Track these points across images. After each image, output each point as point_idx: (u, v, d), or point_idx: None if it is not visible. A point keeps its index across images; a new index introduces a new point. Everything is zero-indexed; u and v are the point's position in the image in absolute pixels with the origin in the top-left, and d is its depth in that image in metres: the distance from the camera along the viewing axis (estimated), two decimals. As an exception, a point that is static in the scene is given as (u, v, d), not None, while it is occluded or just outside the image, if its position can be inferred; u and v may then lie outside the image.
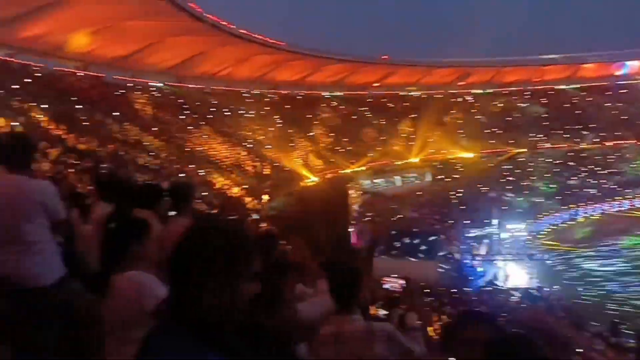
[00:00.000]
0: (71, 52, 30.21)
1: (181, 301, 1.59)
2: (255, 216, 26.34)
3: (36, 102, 27.03)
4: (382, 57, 51.57)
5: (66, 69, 32.36)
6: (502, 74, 58.04)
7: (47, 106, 27.27)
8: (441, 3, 76.47)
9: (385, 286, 18.89)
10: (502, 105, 58.00)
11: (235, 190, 33.36)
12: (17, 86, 27.08)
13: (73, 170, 18.02)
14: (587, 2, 73.82)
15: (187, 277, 1.59)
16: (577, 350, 13.54)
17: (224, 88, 43.88)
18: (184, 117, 38.94)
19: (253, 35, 38.64)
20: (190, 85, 41.06)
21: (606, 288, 25.24)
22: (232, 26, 36.43)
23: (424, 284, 22.28)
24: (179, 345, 1.53)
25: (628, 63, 57.87)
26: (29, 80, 28.72)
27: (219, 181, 33.68)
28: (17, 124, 21.77)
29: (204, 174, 32.93)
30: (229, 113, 43.01)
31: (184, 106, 39.49)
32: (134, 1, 28.88)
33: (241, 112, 44.06)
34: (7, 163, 3.31)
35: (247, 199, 32.39)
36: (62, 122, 26.23)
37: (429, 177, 46.92)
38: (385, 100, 55.95)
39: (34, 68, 29.84)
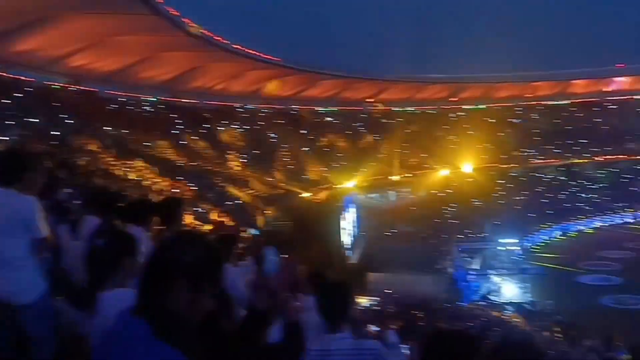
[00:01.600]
0: (62, 67, 30.18)
1: (147, 302, 1.75)
2: (251, 231, 26.20)
3: (27, 116, 26.92)
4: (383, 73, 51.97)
5: (58, 84, 32.24)
6: (494, 90, 58.62)
7: (37, 120, 27.16)
8: (434, 20, 77.27)
9: (364, 304, 18.89)
10: (494, 120, 58.42)
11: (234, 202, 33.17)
12: (9, 101, 26.98)
13: (64, 185, 17.88)
14: (577, 19, 75.14)
15: (155, 283, 1.75)
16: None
17: (217, 103, 43.98)
18: (177, 131, 38.94)
19: (247, 50, 38.88)
20: (184, 100, 41.11)
21: (599, 302, 25.43)
22: (225, 42, 36.64)
23: (417, 298, 22.27)
24: (140, 335, 1.69)
25: (616, 80, 58.64)
26: (20, 94, 28.58)
27: (217, 193, 33.59)
28: (7, 138, 21.66)
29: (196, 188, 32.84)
30: (223, 128, 43.07)
31: (177, 120, 39.48)
32: (129, 16, 28.95)
33: (234, 126, 44.09)
34: None
35: (245, 213, 32.28)
36: (53, 137, 26.11)
37: (423, 192, 46.87)
38: (379, 116, 56.24)
39: (25, 82, 29.76)
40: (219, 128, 42.75)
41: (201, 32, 33.33)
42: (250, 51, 39.15)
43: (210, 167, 37.32)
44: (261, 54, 40.17)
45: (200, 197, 31.07)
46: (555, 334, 18.74)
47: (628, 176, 51.76)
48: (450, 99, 58.43)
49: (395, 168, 48.15)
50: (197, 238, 1.86)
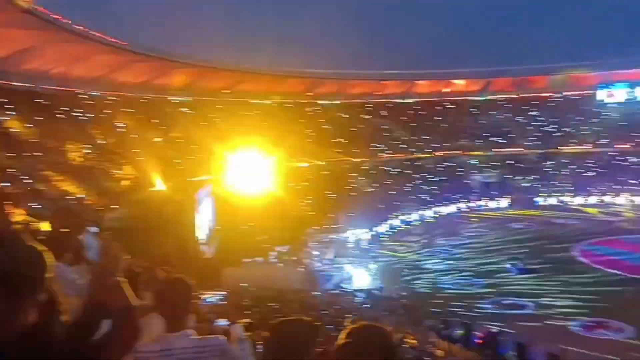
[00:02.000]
0: None
1: None
2: (94, 229, 24.32)
3: None
4: (236, 64, 51.30)
5: None
6: (347, 86, 61.21)
7: None
8: (294, 15, 78.41)
9: (209, 299, 18.42)
10: (347, 116, 60.93)
11: (73, 198, 30.53)
12: None
13: None
14: (422, 24, 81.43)
15: None
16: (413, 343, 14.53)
17: (56, 88, 40.08)
18: (7, 117, 34.82)
19: (91, 32, 35.98)
20: (14, 83, 36.80)
21: (440, 285, 27.17)
22: (65, 20, 33.53)
23: (273, 290, 22.39)
24: None
25: (456, 81, 64.68)
26: None
27: (53, 188, 30.60)
28: None
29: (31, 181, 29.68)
30: (63, 115, 39.36)
31: (8, 106, 35.29)
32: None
33: (76, 114, 40.54)
34: None
35: (87, 208, 29.79)
36: None
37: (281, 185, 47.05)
38: (236, 107, 55.57)
39: None
40: (58, 116, 38.98)
41: (35, 8, 30.08)
42: (95, 33, 36.29)
43: (46, 159, 33.94)
44: (106, 37, 37.41)
45: (32, 191, 28.08)
46: (400, 317, 19.79)
47: (462, 170, 57.12)
48: (307, 94, 59.80)
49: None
50: (10, 239, 1.66)
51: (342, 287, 27.93)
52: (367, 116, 61.93)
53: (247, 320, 12.28)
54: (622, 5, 74.30)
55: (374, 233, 38.57)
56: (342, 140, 56.69)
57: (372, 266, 30.43)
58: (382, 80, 61.93)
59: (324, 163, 52.04)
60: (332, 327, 13.78)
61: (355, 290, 26.65)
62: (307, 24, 72.38)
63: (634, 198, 48.42)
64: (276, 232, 34.64)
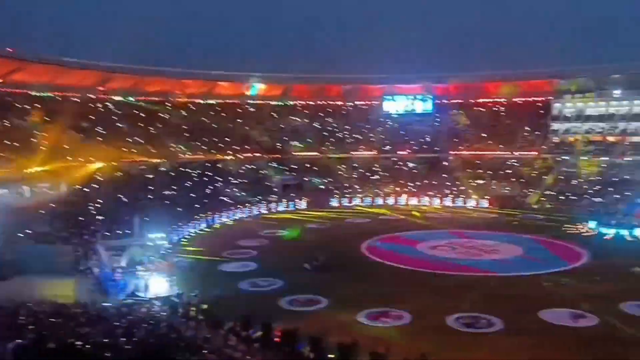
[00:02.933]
0: None
1: None
2: None
3: None
4: (8, 49, 45.41)
5: None
6: (144, 83, 58.35)
7: None
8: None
9: None
10: (144, 115, 58.20)
11: None
12: None
13: None
14: (221, 26, 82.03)
15: None
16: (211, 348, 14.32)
17: None
18: None
19: None
20: None
21: (240, 287, 27.32)
22: None
23: (56, 304, 20.30)
24: None
25: (256, 85, 66.12)
26: None
27: None
28: None
29: None
30: None
31: None
32: None
33: None
34: None
35: None
36: None
37: (64, 188, 43.19)
38: (10, 99, 49.34)
39: None
40: None
41: None
42: None
43: None
44: None
45: None
46: (200, 322, 19.37)
47: (263, 172, 58.57)
48: (98, 88, 55.59)
49: (32, 160, 43.08)
50: None
51: (137, 296, 26.48)
52: (165, 115, 59.91)
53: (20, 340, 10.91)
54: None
55: (172, 237, 37.63)
56: (138, 139, 53.92)
57: (170, 272, 29.00)
58: (181, 79, 60.50)
59: (116, 164, 49.08)
60: (124, 339, 13.38)
61: (152, 299, 25.54)
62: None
63: (416, 198, 55.07)
64: (60, 240, 32.00)
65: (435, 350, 17.15)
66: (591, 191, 51.68)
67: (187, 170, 54.41)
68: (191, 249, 36.57)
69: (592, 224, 41.59)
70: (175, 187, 49.79)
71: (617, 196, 48.71)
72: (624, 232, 39.29)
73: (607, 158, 55.04)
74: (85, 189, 43.85)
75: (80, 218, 37.70)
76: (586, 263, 31.81)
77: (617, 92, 58.05)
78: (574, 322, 21.63)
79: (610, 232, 39.68)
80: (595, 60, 70.58)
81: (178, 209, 44.31)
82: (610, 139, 56.49)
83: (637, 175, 51.36)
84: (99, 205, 41.08)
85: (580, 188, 52.79)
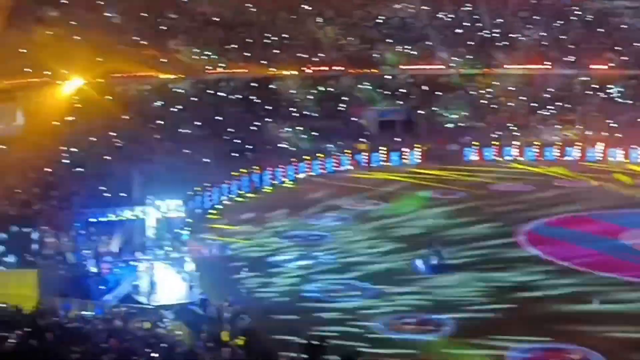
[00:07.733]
0: None
1: None
2: None
3: None
4: None
5: None
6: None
7: None
8: None
9: None
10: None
11: None
12: None
13: None
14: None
15: None
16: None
17: None
18: None
19: None
20: None
21: (305, 292, 28.56)
22: None
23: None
24: None
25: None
26: None
27: None
28: None
29: None
30: None
31: None
32: None
33: None
34: None
35: None
36: None
37: (20, 120, 44.83)
38: None
39: None
40: None
41: None
42: None
43: None
44: None
45: None
46: (238, 350, 19.49)
47: (346, 98, 57.99)
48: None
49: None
50: None
51: (134, 301, 27.99)
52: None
53: None
54: None
55: (194, 207, 39.79)
56: (140, 39, 54.45)
57: (190, 264, 31.04)
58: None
59: (103, 81, 49.89)
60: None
61: (160, 307, 26.83)
62: None
63: (621, 150, 54.00)
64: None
65: None
66: None
67: (218, 93, 55.63)
68: (225, 226, 38.32)
69: None
70: (199, 123, 50.97)
71: None
72: None
73: None
74: (55, 123, 45.06)
75: (47, 171, 39.59)
76: None
77: None
78: None
79: None
80: None
81: (204, 159, 45.69)
82: None
83: None
84: (76, 152, 42.70)
85: None
